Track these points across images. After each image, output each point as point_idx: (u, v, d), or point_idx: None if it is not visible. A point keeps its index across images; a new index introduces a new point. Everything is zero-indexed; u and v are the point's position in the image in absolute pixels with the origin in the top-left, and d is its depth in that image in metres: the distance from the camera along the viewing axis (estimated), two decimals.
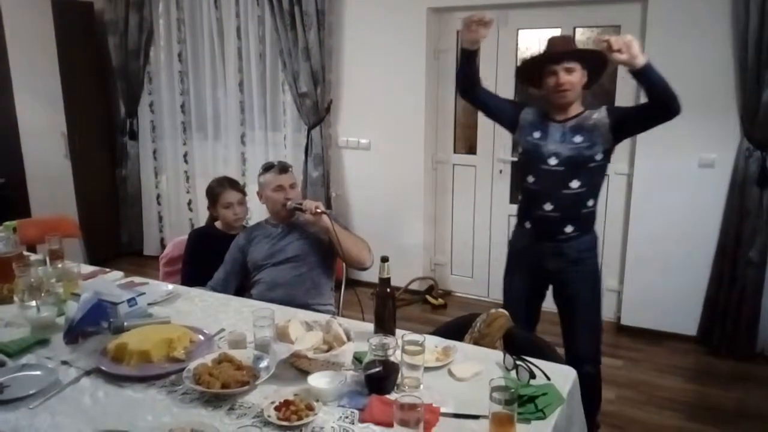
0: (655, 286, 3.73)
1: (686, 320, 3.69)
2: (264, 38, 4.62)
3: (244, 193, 2.94)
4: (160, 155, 5.37)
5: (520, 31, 4.02)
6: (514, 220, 4.13)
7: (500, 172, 4.25)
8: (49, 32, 4.66)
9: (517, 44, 4.04)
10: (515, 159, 4.19)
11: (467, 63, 2.45)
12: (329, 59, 4.34)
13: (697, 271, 3.61)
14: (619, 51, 2.08)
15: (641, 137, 3.58)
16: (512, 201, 4.25)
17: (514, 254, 2.65)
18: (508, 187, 4.26)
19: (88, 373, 1.74)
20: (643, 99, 2.27)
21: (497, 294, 4.36)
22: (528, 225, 2.51)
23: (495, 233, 4.36)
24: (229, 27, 4.74)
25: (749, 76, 3.22)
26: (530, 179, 2.46)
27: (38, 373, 1.72)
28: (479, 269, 4.48)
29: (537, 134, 2.43)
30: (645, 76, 2.14)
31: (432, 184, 4.49)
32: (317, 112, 4.43)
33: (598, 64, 2.35)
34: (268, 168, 2.62)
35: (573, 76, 2.32)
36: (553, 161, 2.38)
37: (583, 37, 3.90)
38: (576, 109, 2.40)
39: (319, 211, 2.40)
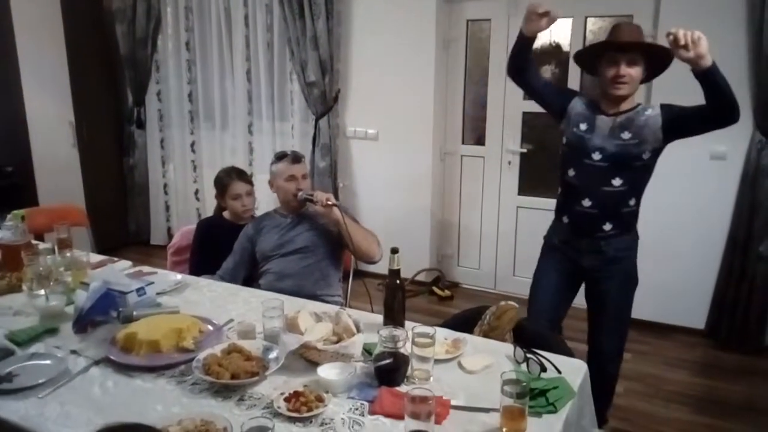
0: (664, 279, 3.71)
1: (694, 313, 3.67)
2: (272, 27, 4.59)
3: (252, 184, 2.93)
4: (167, 144, 5.37)
5: None
6: (522, 212, 4.22)
7: (509, 163, 4.22)
8: (56, 21, 4.65)
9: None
10: (524, 151, 4.17)
11: (521, 48, 2.31)
12: (337, 48, 4.32)
13: (707, 264, 3.59)
14: (685, 47, 1.96)
15: None
16: (521, 193, 4.24)
17: (549, 249, 2.55)
18: (516, 179, 4.23)
19: (97, 362, 1.74)
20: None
21: (504, 286, 4.38)
22: (566, 220, 2.43)
23: (503, 225, 4.34)
24: (237, 15, 4.71)
25: (763, 68, 3.18)
26: (571, 173, 2.37)
27: (47, 362, 1.72)
28: (486, 261, 4.46)
29: (584, 126, 2.33)
30: (709, 78, 2.02)
31: (440, 175, 4.47)
32: (325, 102, 4.41)
33: (661, 61, 2.24)
34: (281, 157, 2.61)
35: (634, 70, 2.22)
36: (596, 156, 2.29)
37: (594, 27, 3.85)
38: (629, 103, 2.29)
39: (330, 203, 2.39)
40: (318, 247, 2.56)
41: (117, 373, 1.68)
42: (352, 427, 1.44)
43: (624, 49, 2.21)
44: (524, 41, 2.29)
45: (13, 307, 2.14)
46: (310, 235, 2.57)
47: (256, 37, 4.67)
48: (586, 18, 3.83)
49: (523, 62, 2.36)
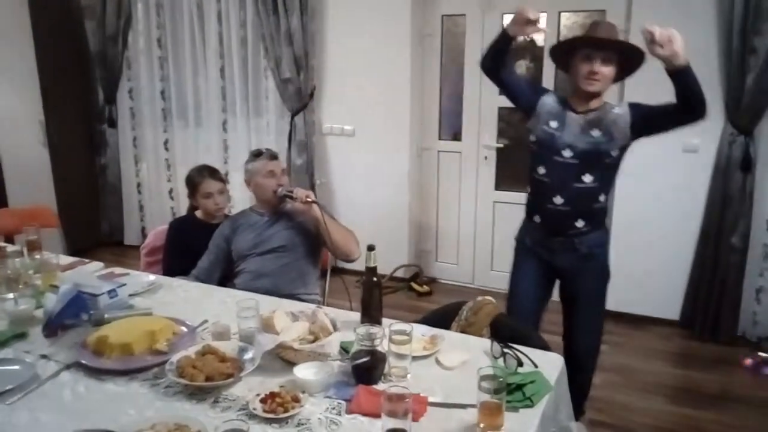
0: (638, 271, 3.75)
1: (669, 305, 3.73)
2: (245, 23, 4.54)
3: (224, 182, 2.90)
4: (140, 143, 5.28)
5: (505, 16, 3.98)
6: (499, 207, 4.24)
7: (485, 158, 4.24)
8: (24, 17, 4.54)
9: (502, 28, 3.99)
10: (500, 146, 4.18)
11: (502, 47, 2.32)
12: (312, 45, 4.28)
13: (680, 256, 3.64)
14: (660, 45, 1.98)
15: None
16: (497, 188, 4.25)
17: (523, 251, 2.53)
18: (493, 173, 4.25)
19: (68, 366, 1.70)
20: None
21: (482, 281, 4.40)
22: (537, 219, 2.43)
23: (480, 220, 4.35)
24: (210, 11, 4.65)
25: (733, 62, 3.23)
26: (541, 170, 2.36)
27: (16, 367, 1.68)
28: (464, 256, 4.48)
29: (554, 124, 2.33)
30: (682, 77, 2.05)
31: (417, 170, 4.47)
32: (300, 98, 4.38)
33: (634, 60, 2.24)
34: (257, 155, 2.59)
35: (608, 68, 2.23)
36: (567, 153, 2.30)
37: (568, 22, 3.88)
38: (598, 101, 2.31)
39: (309, 200, 2.37)
40: (295, 246, 2.54)
41: (88, 378, 1.65)
42: (329, 426, 1.43)
43: (600, 46, 2.22)
44: (506, 40, 2.30)
45: None
46: (287, 233, 2.55)
47: (229, 33, 4.62)
48: (560, 13, 3.85)
49: (501, 60, 2.37)
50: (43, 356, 1.76)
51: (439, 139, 4.42)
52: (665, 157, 3.56)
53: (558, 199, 2.32)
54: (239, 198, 4.63)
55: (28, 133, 4.71)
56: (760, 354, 3.29)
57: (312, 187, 4.46)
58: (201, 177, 2.81)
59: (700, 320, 3.59)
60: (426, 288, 4.36)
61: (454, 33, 4.22)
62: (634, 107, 2.28)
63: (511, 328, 1.98)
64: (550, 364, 1.69)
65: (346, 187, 4.56)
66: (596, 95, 2.29)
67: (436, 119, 4.39)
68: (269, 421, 1.43)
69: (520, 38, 2.29)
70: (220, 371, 1.58)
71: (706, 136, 3.45)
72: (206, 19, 4.69)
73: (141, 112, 5.19)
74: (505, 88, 2.46)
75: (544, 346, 1.88)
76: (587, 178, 2.29)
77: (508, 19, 3.92)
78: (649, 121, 2.24)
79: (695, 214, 3.56)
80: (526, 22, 2.20)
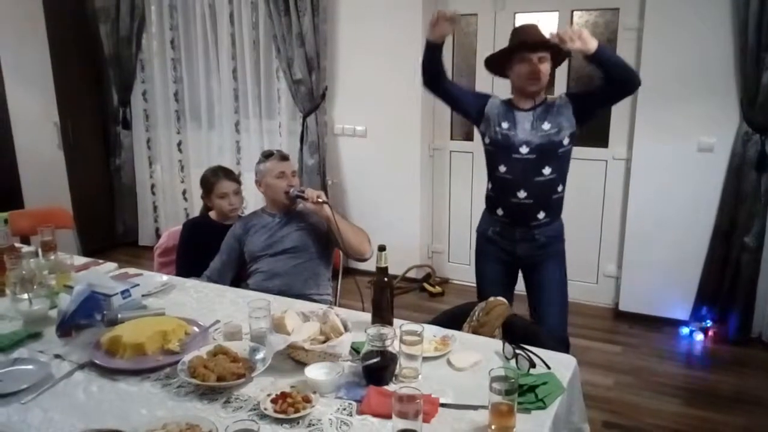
0: (653, 272, 3.72)
1: (683, 305, 3.68)
2: (257, 24, 4.56)
3: (239, 183, 2.91)
4: (153, 144, 5.32)
5: (517, 15, 3.96)
6: None
7: None
8: (39, 21, 4.59)
9: (514, 28, 3.97)
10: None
11: (432, 55, 2.44)
12: (324, 45, 4.29)
13: (694, 256, 3.60)
14: (571, 41, 2.17)
15: (639, 122, 3.58)
16: None
17: (486, 241, 2.65)
18: None
19: (81, 366, 1.71)
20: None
21: None
22: (500, 212, 2.54)
23: None
24: (222, 13, 4.67)
25: (749, 59, 3.19)
26: (502, 168, 2.48)
27: (30, 367, 1.69)
28: None
29: (506, 124, 2.45)
30: (600, 58, 2.22)
31: (429, 171, 4.46)
32: (312, 99, 4.38)
33: (561, 54, 2.44)
34: (268, 156, 2.60)
35: (544, 66, 2.38)
36: (524, 149, 2.42)
37: (581, 20, 3.85)
38: (540, 97, 2.45)
39: (320, 200, 2.38)
40: (307, 247, 2.54)
41: (101, 377, 1.66)
42: (340, 427, 1.42)
43: (534, 48, 2.37)
44: (434, 48, 2.42)
45: None
46: (299, 234, 2.56)
47: (241, 34, 4.64)
48: (572, 12, 3.82)
49: (437, 70, 2.48)
50: (57, 356, 1.78)
51: (451, 139, 4.40)
52: (680, 157, 3.53)
53: (522, 193, 2.45)
54: (252, 199, 4.65)
55: (44, 135, 4.76)
56: None
57: (324, 188, 4.47)
58: (216, 177, 2.82)
59: (713, 321, 3.54)
60: (438, 289, 4.35)
61: (466, 32, 4.21)
62: (571, 95, 2.46)
63: (523, 329, 1.97)
64: (562, 366, 1.68)
65: (358, 187, 4.56)
66: (538, 92, 2.43)
67: (447, 119, 4.38)
68: (280, 421, 1.43)
69: (446, 38, 2.41)
70: (231, 371, 1.58)
71: (722, 135, 3.41)
72: (219, 21, 4.71)
73: (155, 114, 5.22)
74: (451, 100, 2.60)
75: (557, 347, 1.86)
76: (546, 171, 2.42)
77: (520, 18, 3.95)
78: (587, 103, 2.41)
79: (709, 213, 3.52)
80: (446, 21, 2.32)
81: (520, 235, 2.52)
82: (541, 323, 2.54)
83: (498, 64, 2.51)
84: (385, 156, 4.39)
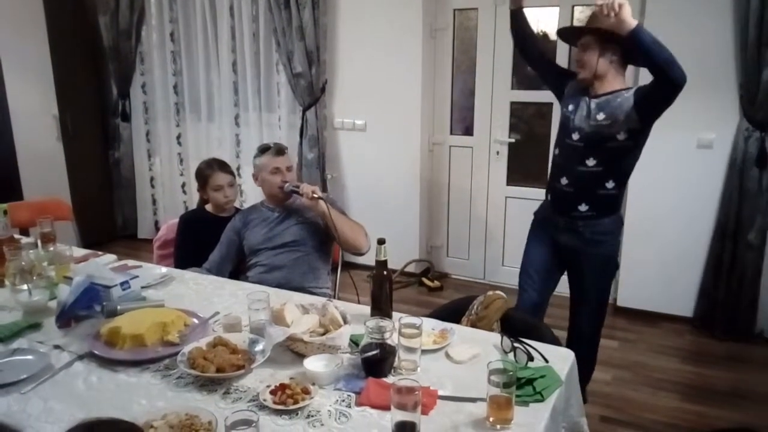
0: (652, 268, 3.73)
1: (683, 302, 3.69)
2: (257, 17, 4.54)
3: (233, 175, 2.91)
4: (153, 137, 5.31)
5: None
6: (511, 202, 4.22)
7: (497, 153, 4.22)
8: (38, 13, 4.57)
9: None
10: (512, 141, 4.17)
11: (512, 22, 2.54)
12: (324, 39, 4.28)
13: (694, 252, 3.60)
14: (607, 15, 2.07)
15: None
16: (509, 183, 4.23)
17: (535, 224, 2.67)
18: (505, 168, 4.23)
19: (80, 357, 1.71)
20: None
21: (493, 276, 4.39)
22: (549, 197, 2.56)
23: (491, 216, 4.34)
24: (222, 6, 4.66)
25: (749, 55, 3.18)
26: (556, 151, 2.50)
27: (30, 357, 1.70)
28: (475, 251, 4.46)
29: (570, 107, 2.42)
30: (636, 40, 2.10)
31: (428, 165, 4.46)
32: (312, 93, 4.38)
33: (612, 38, 2.25)
34: (264, 150, 2.59)
35: (587, 54, 2.31)
36: (575, 136, 2.38)
37: (582, 16, 3.84)
38: (612, 85, 2.34)
39: (315, 196, 2.37)
40: (306, 241, 2.55)
41: (101, 368, 1.66)
42: (339, 418, 1.43)
43: (568, 36, 2.45)
44: (511, 14, 2.52)
45: None
46: (298, 228, 2.56)
47: (241, 27, 4.63)
48: (573, 7, 3.82)
49: (522, 37, 2.57)
50: (57, 346, 1.78)
51: (451, 133, 4.40)
52: (680, 153, 3.53)
53: (564, 180, 2.43)
54: (251, 192, 4.65)
55: (43, 127, 4.75)
56: None
57: (323, 182, 4.47)
58: (211, 170, 2.82)
59: (714, 317, 3.55)
60: (437, 283, 4.35)
61: (467, 27, 4.20)
62: (638, 89, 2.30)
63: (521, 323, 1.98)
64: (560, 359, 1.68)
65: (358, 181, 4.56)
66: (590, 80, 2.35)
67: (447, 114, 4.37)
68: (279, 412, 1.43)
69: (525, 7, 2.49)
70: (230, 363, 1.59)
71: (722, 132, 3.41)
72: (218, 14, 4.70)
73: (154, 107, 5.22)
74: (540, 72, 2.66)
75: (555, 341, 1.87)
76: (590, 162, 2.35)
77: None
78: (647, 99, 2.25)
79: (710, 210, 3.52)
80: None
81: (564, 224, 2.47)
82: (572, 325, 2.55)
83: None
84: (385, 150, 4.39)
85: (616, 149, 2.33)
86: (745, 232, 3.39)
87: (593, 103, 2.35)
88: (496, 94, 4.10)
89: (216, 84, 4.89)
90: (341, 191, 4.59)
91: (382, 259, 1.82)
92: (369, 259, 2.07)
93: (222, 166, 2.87)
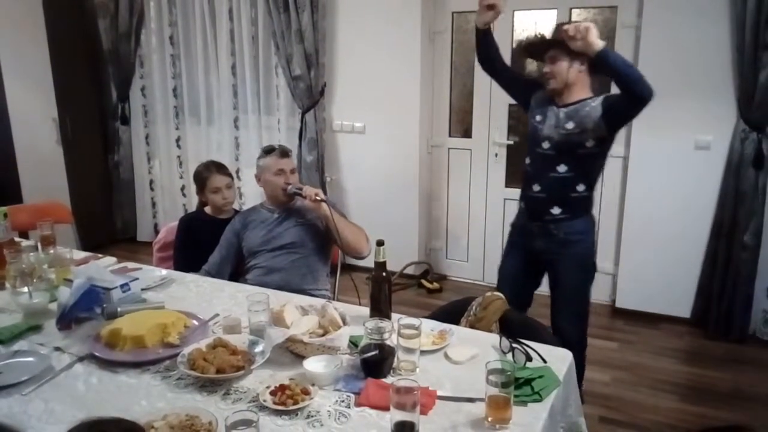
0: (650, 269, 3.74)
1: (681, 303, 3.70)
2: (256, 20, 4.56)
3: (231, 177, 2.92)
4: (152, 140, 5.32)
5: (516, 13, 3.97)
6: (510, 204, 4.23)
7: (496, 155, 4.23)
8: (38, 16, 4.58)
9: (512, 25, 3.99)
10: (511, 143, 4.18)
11: (477, 40, 2.55)
12: (323, 42, 4.29)
13: (692, 254, 3.62)
14: (574, 38, 2.15)
15: (636, 120, 3.56)
16: (508, 185, 4.24)
17: (511, 232, 2.73)
18: (503, 170, 4.24)
19: (81, 359, 1.72)
20: None
21: (492, 278, 4.34)
22: (522, 205, 2.61)
23: (490, 217, 4.35)
24: (221, 9, 4.67)
25: (746, 58, 3.20)
26: (527, 160, 2.56)
27: (31, 359, 1.71)
28: (474, 253, 4.47)
29: (538, 117, 2.49)
30: (603, 61, 2.18)
31: (427, 168, 4.47)
32: (311, 96, 4.39)
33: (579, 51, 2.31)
34: (268, 151, 2.60)
35: (557, 65, 2.36)
36: (546, 145, 2.45)
37: (579, 18, 3.86)
38: (578, 95, 2.40)
39: (318, 198, 2.38)
40: (306, 243, 2.55)
41: (101, 369, 1.67)
42: (338, 419, 1.44)
43: (534, 50, 2.49)
44: (478, 33, 2.53)
45: None
46: (297, 230, 2.56)
47: (240, 30, 4.64)
48: (570, 9, 3.83)
49: (486, 54, 2.58)
50: (57, 348, 1.79)
51: (450, 136, 4.41)
52: (677, 155, 3.54)
53: (536, 187, 2.50)
54: (251, 194, 4.66)
55: (43, 130, 4.76)
56: None
57: (322, 185, 4.48)
58: (209, 172, 2.83)
59: (711, 318, 3.56)
60: (436, 285, 4.36)
61: (465, 30, 4.21)
62: (606, 99, 2.36)
63: (520, 324, 1.99)
64: (558, 360, 1.69)
65: (357, 184, 4.57)
66: (559, 91, 2.40)
67: (446, 116, 4.39)
68: (279, 413, 1.44)
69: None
70: (230, 364, 1.59)
71: (719, 133, 3.42)
72: (218, 17, 4.72)
73: (153, 110, 5.22)
74: (504, 85, 2.68)
75: (553, 342, 1.88)
76: (562, 168, 2.42)
77: (518, 16, 3.96)
78: (615, 111, 2.31)
79: (707, 211, 3.53)
80: (485, 8, 2.39)
81: (537, 229, 2.52)
82: (556, 330, 2.54)
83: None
84: (384, 153, 4.40)
85: (586, 156, 2.41)
86: (741, 232, 3.40)
87: (561, 112, 2.41)
88: (495, 96, 4.11)
89: (215, 87, 4.90)
90: (340, 193, 4.60)
91: (381, 260, 1.83)
92: (368, 262, 2.08)
93: (219, 168, 2.88)
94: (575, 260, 2.53)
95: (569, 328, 2.54)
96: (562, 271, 2.54)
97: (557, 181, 2.43)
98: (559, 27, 2.38)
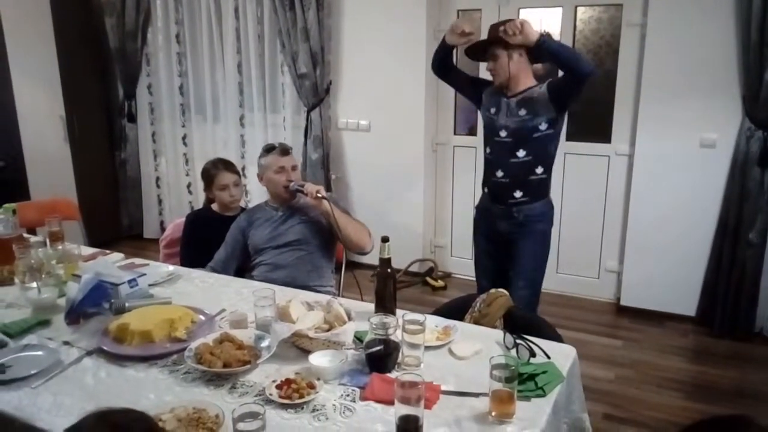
0: (654, 267, 3.74)
1: (686, 301, 3.70)
2: (262, 19, 4.57)
3: (239, 174, 2.94)
4: (158, 138, 5.35)
5: (521, 10, 3.97)
6: None
7: None
8: (45, 14, 4.61)
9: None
10: None
11: (444, 54, 2.74)
12: (328, 40, 4.31)
13: (697, 252, 3.61)
14: (513, 34, 2.36)
15: (642, 118, 3.60)
16: None
17: (476, 216, 2.93)
18: None
19: (89, 353, 1.74)
20: None
21: None
22: (486, 190, 2.79)
23: None
24: (227, 7, 4.69)
25: (752, 56, 3.19)
26: (487, 150, 2.75)
27: (40, 353, 1.73)
28: None
29: (493, 110, 2.68)
30: (544, 49, 2.39)
31: (432, 165, 4.48)
32: (316, 94, 4.41)
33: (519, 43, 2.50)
34: (269, 150, 2.62)
35: (498, 62, 2.57)
36: (503, 133, 2.64)
37: (584, 16, 3.86)
38: (524, 83, 2.60)
39: (319, 195, 2.40)
40: (310, 240, 2.57)
41: (110, 363, 1.69)
42: (344, 413, 1.45)
43: (473, 52, 2.69)
44: (446, 49, 2.72)
45: (5, 299, 2.15)
46: (301, 227, 2.58)
47: (246, 29, 4.65)
48: (576, 7, 3.83)
49: (446, 65, 2.79)
50: (66, 343, 1.81)
51: (455, 134, 4.42)
52: (682, 153, 3.54)
53: (499, 173, 2.68)
54: (256, 192, 4.67)
55: (50, 128, 4.79)
56: None
57: (327, 182, 4.49)
58: (216, 169, 2.85)
59: (716, 316, 3.56)
60: (441, 283, 4.37)
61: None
62: (550, 83, 2.57)
63: (524, 320, 2.00)
64: (562, 355, 1.70)
65: (362, 181, 4.58)
66: (504, 83, 2.60)
67: (451, 114, 4.39)
68: (285, 406, 1.46)
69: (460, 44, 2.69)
70: (237, 358, 1.61)
71: (724, 131, 3.42)
72: (224, 15, 4.73)
73: (160, 108, 5.25)
74: (456, 87, 2.96)
75: (557, 338, 1.89)
76: (521, 153, 2.61)
77: (524, 14, 3.95)
78: (559, 90, 2.52)
79: (712, 209, 3.53)
80: (461, 34, 2.58)
81: (499, 212, 2.72)
82: (513, 294, 2.60)
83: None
84: (389, 151, 4.41)
85: (541, 138, 2.59)
86: (746, 230, 3.39)
87: (512, 102, 2.61)
88: None
89: (221, 85, 4.92)
90: (345, 191, 4.61)
91: (386, 256, 1.85)
92: (373, 259, 2.09)
93: (227, 165, 2.90)
94: (533, 238, 2.72)
95: (522, 299, 2.58)
96: (521, 247, 2.71)
97: (517, 165, 2.62)
98: (494, 27, 2.57)
